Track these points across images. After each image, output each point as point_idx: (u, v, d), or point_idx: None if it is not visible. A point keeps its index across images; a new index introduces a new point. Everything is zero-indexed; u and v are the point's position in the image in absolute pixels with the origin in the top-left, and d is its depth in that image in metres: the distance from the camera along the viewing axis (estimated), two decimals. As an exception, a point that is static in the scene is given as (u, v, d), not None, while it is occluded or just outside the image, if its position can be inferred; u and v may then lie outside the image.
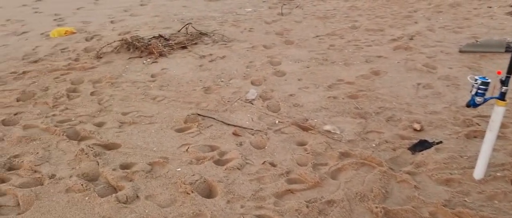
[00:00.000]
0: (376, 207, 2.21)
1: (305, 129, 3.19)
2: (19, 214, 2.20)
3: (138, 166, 2.67)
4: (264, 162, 2.71)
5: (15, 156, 2.82)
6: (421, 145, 2.91)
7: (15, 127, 3.29)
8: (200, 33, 6.06)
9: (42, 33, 6.89)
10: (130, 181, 2.51)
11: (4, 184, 2.48)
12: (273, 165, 2.69)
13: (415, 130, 3.13)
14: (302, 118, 3.37)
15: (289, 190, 2.42)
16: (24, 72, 4.71)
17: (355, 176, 2.56)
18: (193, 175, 2.55)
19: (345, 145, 2.94)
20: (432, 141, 2.95)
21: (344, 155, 2.80)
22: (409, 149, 2.87)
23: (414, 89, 3.92)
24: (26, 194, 2.34)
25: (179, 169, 2.63)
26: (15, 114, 3.54)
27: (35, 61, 5.18)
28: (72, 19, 8.13)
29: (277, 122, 3.31)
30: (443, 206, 2.22)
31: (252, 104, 3.67)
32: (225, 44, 5.64)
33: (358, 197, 2.33)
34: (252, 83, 4.20)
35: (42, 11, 9.07)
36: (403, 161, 2.74)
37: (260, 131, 3.15)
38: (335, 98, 3.75)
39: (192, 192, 2.36)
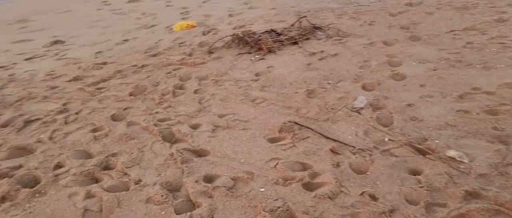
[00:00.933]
0: None
1: (421, 152, 2.60)
2: (99, 221, 2.19)
3: (221, 180, 2.46)
4: (363, 192, 2.25)
5: (113, 155, 2.88)
6: None
7: (121, 122, 3.41)
8: (313, 27, 5.66)
9: (167, 27, 7.32)
10: (210, 197, 2.31)
11: (96, 184, 2.52)
12: (373, 197, 2.21)
13: None
14: (420, 137, 2.77)
15: (390, 235, 1.94)
16: (142, 66, 4.97)
17: (485, 228, 1.94)
18: (276, 199, 2.23)
19: (474, 181, 2.28)
20: None
21: (471, 194, 2.17)
22: None
23: None
24: (110, 200, 2.32)
25: (263, 189, 2.35)
26: (125, 109, 3.69)
27: (155, 55, 5.45)
28: (196, 12, 8.49)
29: (386, 139, 2.78)
30: None
31: (360, 114, 3.18)
32: (340, 39, 5.15)
33: (486, 262, 1.74)
34: (363, 87, 3.67)
35: (173, 4, 9.72)
36: (560, 214, 1.99)
37: (363, 150, 2.67)
38: (466, 113, 3.02)
39: (271, 221, 2.06)
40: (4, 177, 2.59)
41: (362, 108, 3.25)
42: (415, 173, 2.42)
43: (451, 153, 2.52)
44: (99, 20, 9.13)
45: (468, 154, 2.52)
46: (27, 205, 2.31)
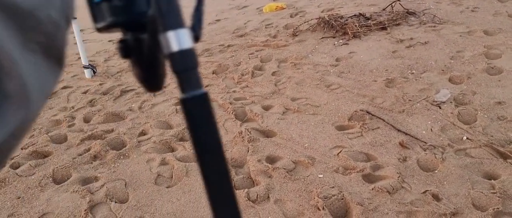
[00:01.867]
0: None
1: (503, 156, 2.36)
2: (168, 187, 2.42)
3: (283, 162, 2.53)
4: (426, 191, 2.14)
5: (189, 128, 3.12)
6: None
7: (201, 98, 3.64)
8: (407, 12, 5.32)
9: (257, 8, 7.48)
10: (269, 177, 2.40)
11: (171, 153, 2.78)
12: (437, 197, 2.09)
13: None
14: (504, 139, 2.51)
15: (446, 239, 1.84)
16: (228, 46, 5.20)
17: (562, 247, 1.73)
18: (333, 187, 2.24)
19: (560, 194, 2.02)
20: None
21: (553, 208, 1.94)
22: None
23: None
24: (180, 168, 2.55)
25: (321, 176, 2.36)
26: (206, 86, 3.93)
27: (241, 36, 5.64)
28: (288, -6, 8.49)
29: (464, 138, 2.57)
30: None
31: (440, 108, 2.97)
32: (434, 26, 4.77)
33: None
34: (450, 80, 3.40)
35: (266, -14, 9.83)
36: None
37: (435, 146, 2.51)
38: None
39: (323, 208, 2.08)
40: (98, 139, 2.99)
41: (443, 102, 3.03)
42: (490, 177, 2.22)
43: (539, 160, 2.25)
44: (197, 0, 9.63)
45: (561, 163, 2.23)
46: (112, 165, 2.65)
